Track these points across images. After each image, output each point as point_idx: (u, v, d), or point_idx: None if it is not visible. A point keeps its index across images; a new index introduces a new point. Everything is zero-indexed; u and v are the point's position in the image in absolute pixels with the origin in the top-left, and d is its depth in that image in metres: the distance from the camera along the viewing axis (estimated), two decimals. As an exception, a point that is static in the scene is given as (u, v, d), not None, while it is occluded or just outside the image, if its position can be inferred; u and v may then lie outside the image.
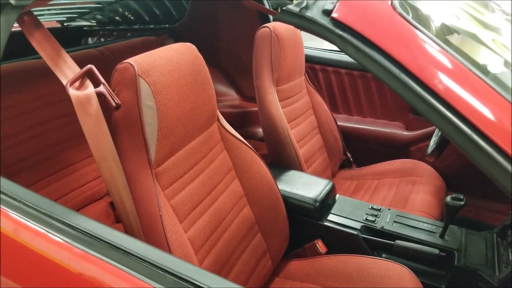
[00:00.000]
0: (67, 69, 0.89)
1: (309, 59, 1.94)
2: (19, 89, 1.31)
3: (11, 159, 1.27)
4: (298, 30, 1.64)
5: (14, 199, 0.71)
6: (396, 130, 1.92)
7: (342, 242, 1.26)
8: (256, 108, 1.56)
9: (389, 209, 1.34)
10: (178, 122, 0.92)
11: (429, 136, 1.79)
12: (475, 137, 0.49)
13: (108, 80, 0.87)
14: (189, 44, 1.02)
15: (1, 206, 0.71)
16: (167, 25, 2.18)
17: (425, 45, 0.53)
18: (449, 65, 0.52)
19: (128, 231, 0.88)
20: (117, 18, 2.21)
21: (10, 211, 0.70)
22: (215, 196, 1.06)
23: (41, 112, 1.36)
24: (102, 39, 2.20)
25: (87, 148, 1.48)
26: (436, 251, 1.15)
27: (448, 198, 1.14)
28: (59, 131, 1.41)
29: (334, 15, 0.54)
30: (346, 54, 0.55)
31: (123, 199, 0.87)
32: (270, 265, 1.20)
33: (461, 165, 1.76)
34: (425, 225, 1.26)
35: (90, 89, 0.84)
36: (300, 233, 1.31)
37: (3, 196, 0.72)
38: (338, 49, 2.00)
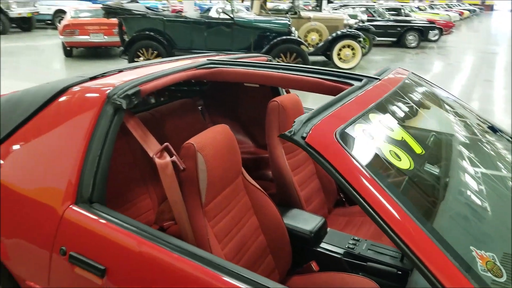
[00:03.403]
0: (152, 145, 1.42)
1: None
2: None
3: None
4: (299, 100, 2.16)
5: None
6: None
7: (330, 263, 1.73)
8: (268, 155, 2.05)
9: (366, 240, 1.81)
10: (218, 178, 1.43)
11: None
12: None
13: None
14: (225, 126, 1.54)
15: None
16: (197, 88, 2.73)
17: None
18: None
19: None
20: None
21: None
22: (241, 227, 1.55)
23: (115, 160, 1.87)
24: (145, 98, 2.75)
25: (141, 189, 1.99)
26: (395, 270, 1.61)
27: None
28: (123, 175, 1.91)
29: (307, 140, 1.05)
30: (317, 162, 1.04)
31: (185, 227, 1.37)
32: (277, 279, 1.66)
33: None
34: (391, 252, 1.73)
35: (167, 158, 1.36)
36: (299, 256, 1.78)
37: None
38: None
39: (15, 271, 1.45)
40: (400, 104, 1.40)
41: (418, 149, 1.16)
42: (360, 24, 11.38)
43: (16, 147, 1.48)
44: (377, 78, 1.55)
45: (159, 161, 1.36)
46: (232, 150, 1.52)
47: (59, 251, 1.29)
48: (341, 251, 1.72)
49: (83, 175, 1.32)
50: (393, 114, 1.29)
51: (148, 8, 8.55)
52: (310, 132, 1.04)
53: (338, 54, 9.11)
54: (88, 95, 1.45)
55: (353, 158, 1.02)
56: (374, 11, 14.02)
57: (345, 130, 1.08)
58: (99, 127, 1.35)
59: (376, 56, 11.66)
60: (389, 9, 15.08)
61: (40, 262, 1.35)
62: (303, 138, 1.04)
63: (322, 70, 1.72)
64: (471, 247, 0.92)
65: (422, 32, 13.41)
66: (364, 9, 14.19)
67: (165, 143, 1.39)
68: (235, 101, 2.65)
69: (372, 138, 1.09)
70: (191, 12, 9.39)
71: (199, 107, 2.58)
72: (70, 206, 1.30)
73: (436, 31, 14.23)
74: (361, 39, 9.13)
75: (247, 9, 11.33)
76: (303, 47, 7.60)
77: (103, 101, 1.38)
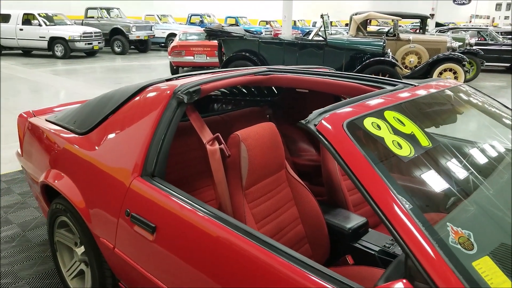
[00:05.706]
0: (206, 134, 1.69)
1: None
2: (178, 139, 2.14)
3: (173, 178, 2.09)
4: None
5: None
6: None
7: (365, 259, 1.80)
8: None
9: None
10: (259, 166, 1.64)
11: None
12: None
13: (227, 135, 1.61)
14: (271, 123, 1.74)
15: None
16: (269, 98, 2.98)
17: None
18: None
19: None
20: (235, 90, 3.09)
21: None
22: (279, 214, 1.72)
23: (188, 154, 2.19)
24: (224, 106, 3.09)
25: (207, 180, 2.27)
26: None
27: None
28: (194, 167, 2.22)
29: (317, 127, 1.20)
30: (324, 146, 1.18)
31: (226, 204, 1.60)
32: None
33: None
34: None
35: (216, 146, 1.61)
36: (337, 249, 1.88)
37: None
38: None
39: (93, 231, 1.81)
40: (424, 107, 1.47)
41: (425, 142, 1.23)
42: (468, 47, 10.77)
43: (103, 132, 1.87)
44: (412, 84, 1.63)
45: (210, 147, 1.61)
46: (275, 145, 1.71)
47: (124, 213, 1.61)
48: (376, 248, 1.79)
49: (149, 154, 1.63)
50: (412, 113, 1.37)
51: (250, 32, 9.19)
52: (322, 121, 1.20)
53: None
54: (160, 92, 1.78)
55: (357, 146, 1.14)
56: (487, 35, 13.07)
57: (354, 122, 1.21)
58: (164, 117, 1.66)
59: (484, 82, 10.82)
60: (507, 33, 13.92)
61: (110, 223, 1.69)
62: (315, 125, 1.20)
63: (362, 76, 1.84)
64: (447, 223, 0.98)
65: (544, 58, 12.16)
66: (476, 32, 13.33)
67: (216, 134, 1.65)
68: (301, 111, 2.83)
69: (379, 130, 1.20)
70: (287, 34, 9.84)
71: (267, 115, 2.82)
72: (137, 177, 1.62)
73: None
74: (465, 63, 8.63)
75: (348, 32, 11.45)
76: (397, 68, 7.46)
77: (170, 96, 1.70)
